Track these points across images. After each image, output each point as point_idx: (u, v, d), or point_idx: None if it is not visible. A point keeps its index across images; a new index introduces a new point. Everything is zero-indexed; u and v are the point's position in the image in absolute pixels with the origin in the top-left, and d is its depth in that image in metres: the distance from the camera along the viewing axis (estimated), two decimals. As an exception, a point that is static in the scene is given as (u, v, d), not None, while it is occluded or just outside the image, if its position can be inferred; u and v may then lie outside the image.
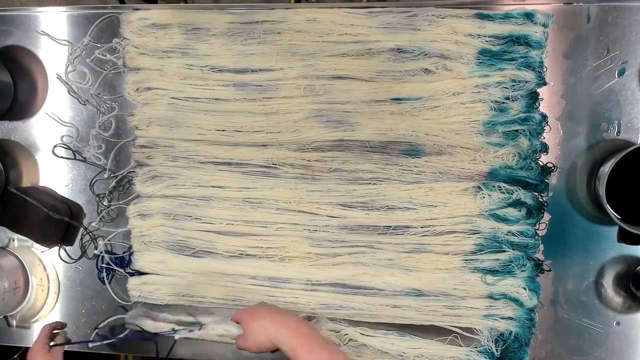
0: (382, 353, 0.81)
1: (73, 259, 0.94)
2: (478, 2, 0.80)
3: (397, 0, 0.95)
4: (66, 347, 0.94)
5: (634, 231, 0.76)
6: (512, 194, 0.77)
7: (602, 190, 0.76)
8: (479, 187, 0.79)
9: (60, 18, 0.91)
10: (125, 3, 1.28)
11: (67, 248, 0.94)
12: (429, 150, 0.80)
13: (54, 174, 0.94)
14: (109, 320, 0.92)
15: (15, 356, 1.17)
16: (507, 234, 0.78)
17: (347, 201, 0.82)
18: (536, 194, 0.79)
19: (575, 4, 0.80)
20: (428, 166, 0.80)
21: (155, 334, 0.85)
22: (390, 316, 0.82)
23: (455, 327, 0.81)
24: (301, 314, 0.84)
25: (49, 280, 0.95)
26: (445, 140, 0.79)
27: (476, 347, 0.80)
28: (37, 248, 0.94)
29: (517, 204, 0.78)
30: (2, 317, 0.93)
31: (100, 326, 0.92)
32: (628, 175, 0.78)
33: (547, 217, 0.82)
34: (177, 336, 0.82)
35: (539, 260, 0.81)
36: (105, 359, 1.25)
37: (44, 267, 0.95)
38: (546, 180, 0.79)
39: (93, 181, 0.92)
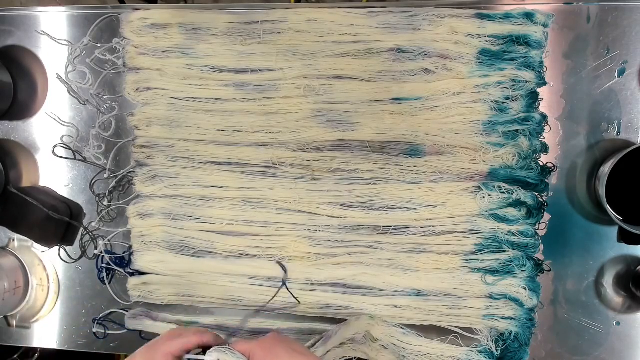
0: (383, 348, 0.81)
1: (73, 259, 0.94)
2: (478, 2, 0.80)
3: (397, 0, 0.95)
4: (65, 347, 0.95)
5: (634, 231, 0.76)
6: (512, 194, 0.77)
7: (602, 190, 0.76)
8: (479, 187, 0.79)
9: (60, 18, 0.91)
10: (125, 3, 1.28)
11: (67, 248, 0.94)
12: (429, 150, 0.80)
13: (54, 174, 0.94)
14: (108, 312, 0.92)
15: (15, 356, 1.17)
16: (507, 234, 0.78)
17: (347, 201, 0.82)
18: (536, 194, 0.79)
19: (575, 4, 0.80)
20: (428, 166, 0.80)
21: None
22: (390, 316, 0.82)
23: (455, 327, 0.81)
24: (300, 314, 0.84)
25: (49, 280, 0.95)
26: (445, 140, 0.79)
27: (476, 347, 0.80)
28: (37, 248, 0.94)
29: (517, 204, 0.78)
30: (2, 317, 0.93)
31: (99, 316, 0.92)
32: (628, 175, 0.78)
33: (547, 217, 0.82)
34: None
35: (539, 260, 0.81)
36: (105, 359, 1.25)
37: (44, 267, 0.94)
38: (546, 180, 0.79)
39: (93, 181, 0.92)
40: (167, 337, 0.65)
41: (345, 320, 0.82)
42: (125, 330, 0.91)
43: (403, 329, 0.81)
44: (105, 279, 0.92)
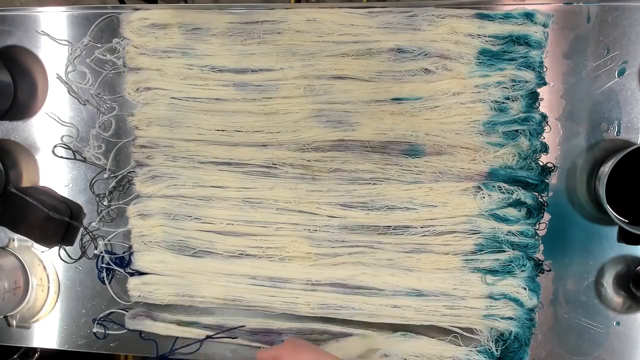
0: (385, 356, 0.81)
1: (73, 259, 0.94)
2: (478, 2, 0.80)
3: (397, 0, 0.95)
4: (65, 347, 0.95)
5: (634, 231, 0.77)
6: (512, 194, 0.77)
7: (602, 190, 0.76)
8: (479, 187, 0.79)
9: (60, 18, 0.91)
10: (125, 3, 1.28)
11: (67, 248, 0.94)
12: (429, 150, 0.80)
13: (54, 174, 0.94)
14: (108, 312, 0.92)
15: (15, 356, 1.17)
16: (507, 234, 0.78)
17: (347, 201, 0.82)
18: (536, 194, 0.79)
19: (575, 4, 0.80)
20: (428, 166, 0.80)
21: None
22: (390, 316, 0.82)
23: (455, 327, 0.81)
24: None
25: (49, 280, 0.95)
26: (445, 140, 0.79)
27: (476, 347, 0.80)
28: (37, 248, 0.94)
29: (517, 204, 0.78)
30: (2, 317, 0.93)
31: (99, 316, 0.92)
32: (628, 175, 0.78)
33: (547, 217, 0.82)
34: None
35: (539, 260, 0.81)
36: (105, 359, 1.25)
37: (44, 267, 0.95)
38: (546, 180, 0.79)
39: (93, 181, 0.92)
40: None
41: (345, 320, 0.83)
42: (125, 330, 0.91)
43: (404, 335, 0.81)
44: (105, 279, 0.92)
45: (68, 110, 0.92)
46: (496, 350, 0.79)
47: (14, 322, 0.95)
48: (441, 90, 0.79)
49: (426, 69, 0.79)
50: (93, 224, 0.92)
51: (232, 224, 0.85)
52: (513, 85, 0.77)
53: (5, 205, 0.88)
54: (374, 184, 0.81)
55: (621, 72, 0.80)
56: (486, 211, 0.78)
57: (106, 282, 0.92)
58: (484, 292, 0.79)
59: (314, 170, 0.83)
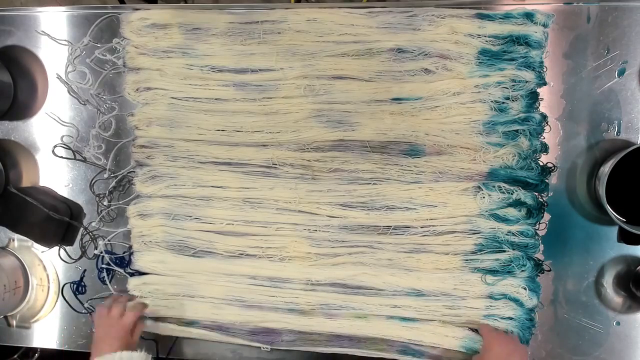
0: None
1: (73, 259, 0.94)
2: (478, 2, 0.80)
3: (397, 0, 0.95)
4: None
5: (634, 231, 0.77)
6: (512, 194, 0.77)
7: (602, 190, 0.76)
8: (479, 187, 0.79)
9: (60, 18, 0.91)
10: (125, 3, 1.28)
11: (67, 248, 0.94)
12: (429, 150, 0.80)
13: (54, 174, 0.94)
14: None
15: (15, 356, 1.17)
16: (507, 234, 0.78)
17: (347, 201, 0.82)
18: (536, 194, 0.79)
19: (575, 4, 0.80)
20: (428, 166, 0.80)
21: None
22: (390, 316, 0.82)
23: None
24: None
25: (49, 280, 0.95)
26: (445, 140, 0.79)
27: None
28: (37, 248, 0.94)
29: (517, 204, 0.78)
30: (2, 317, 0.93)
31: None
32: (628, 175, 0.78)
33: (547, 217, 0.82)
34: None
35: (539, 260, 0.81)
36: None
37: (44, 267, 0.95)
38: (546, 180, 0.79)
39: (93, 181, 0.92)
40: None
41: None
42: (125, 330, 0.91)
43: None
44: (105, 279, 0.92)
45: (68, 110, 0.92)
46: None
47: (14, 322, 0.95)
48: (441, 90, 0.79)
49: (426, 69, 0.79)
50: (93, 224, 0.92)
51: (232, 224, 0.85)
52: (513, 85, 0.77)
53: (5, 205, 0.88)
54: (374, 184, 0.81)
55: (621, 72, 0.80)
56: (486, 211, 0.78)
57: (107, 282, 0.92)
58: (484, 292, 0.79)
59: (314, 170, 0.83)
